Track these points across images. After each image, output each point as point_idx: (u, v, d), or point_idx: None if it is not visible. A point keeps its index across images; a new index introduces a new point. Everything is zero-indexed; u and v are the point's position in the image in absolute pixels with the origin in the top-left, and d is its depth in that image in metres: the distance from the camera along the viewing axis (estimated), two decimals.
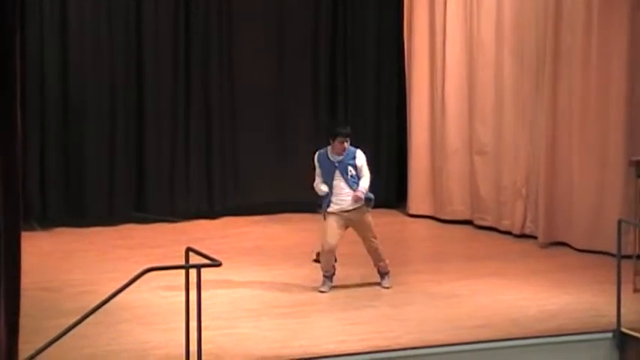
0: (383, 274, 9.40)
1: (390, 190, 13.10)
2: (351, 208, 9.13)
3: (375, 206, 12.77)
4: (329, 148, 9.18)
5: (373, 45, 12.95)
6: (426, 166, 12.54)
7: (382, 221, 12.33)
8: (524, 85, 11.35)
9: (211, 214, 12.33)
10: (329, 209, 9.15)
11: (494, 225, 11.68)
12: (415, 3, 12.54)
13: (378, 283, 9.37)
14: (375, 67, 12.98)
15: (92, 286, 9.21)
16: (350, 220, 9.18)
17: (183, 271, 6.91)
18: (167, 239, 11.11)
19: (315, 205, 9.37)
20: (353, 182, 9.14)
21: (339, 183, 9.13)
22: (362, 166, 9.20)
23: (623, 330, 7.95)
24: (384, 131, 13.08)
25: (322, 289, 9.18)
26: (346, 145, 9.13)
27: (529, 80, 11.30)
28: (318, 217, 9.39)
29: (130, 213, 12.12)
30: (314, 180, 9.21)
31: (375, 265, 9.40)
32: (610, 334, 7.99)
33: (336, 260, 9.23)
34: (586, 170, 10.63)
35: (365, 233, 9.26)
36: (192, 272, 6.80)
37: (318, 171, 9.20)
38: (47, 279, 9.50)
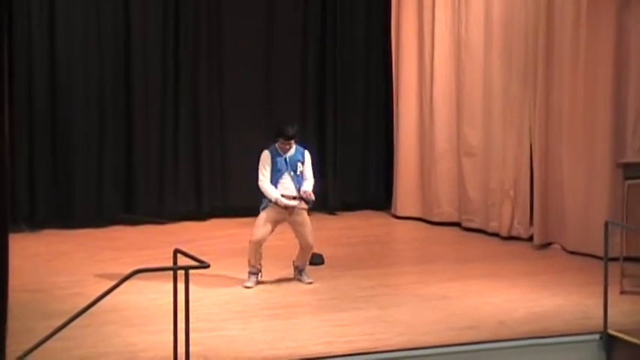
0: (301, 270, 9.48)
1: (378, 191, 13.13)
2: (291, 205, 9.25)
3: (364, 207, 12.98)
4: (276, 145, 9.34)
5: (361, 47, 12.96)
6: (414, 168, 12.55)
7: (370, 223, 12.44)
8: (513, 87, 11.38)
9: (200, 216, 12.32)
10: (269, 204, 9.28)
11: (482, 227, 11.71)
12: (403, 5, 12.55)
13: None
14: (363, 69, 13.00)
15: (80, 287, 9.20)
16: (288, 216, 9.30)
17: (171, 273, 6.91)
18: (155, 241, 11.10)
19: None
20: (298, 180, 9.29)
21: (287, 179, 9.27)
22: (307, 166, 9.36)
23: (610, 332, 7.97)
24: (372, 133, 13.09)
25: (247, 285, 9.30)
26: (289, 146, 9.30)
27: (517, 83, 11.32)
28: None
29: (119, 215, 12.11)
30: (258, 179, 9.30)
31: (298, 261, 9.46)
32: (597, 336, 8.01)
33: (261, 257, 9.35)
34: (575, 172, 10.66)
35: (302, 229, 9.33)
36: (181, 274, 6.79)
37: (268, 169, 9.30)
38: (35, 281, 9.48)
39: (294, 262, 9.56)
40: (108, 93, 12.03)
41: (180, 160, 12.30)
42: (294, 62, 12.74)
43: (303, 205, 9.37)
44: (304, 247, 9.42)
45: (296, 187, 9.32)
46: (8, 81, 11.19)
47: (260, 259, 9.38)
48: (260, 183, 9.34)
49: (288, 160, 9.32)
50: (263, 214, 9.33)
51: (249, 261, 9.40)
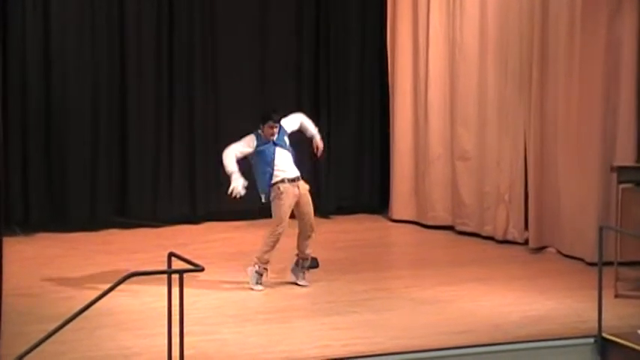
0: (303, 267, 9.41)
1: (373, 195, 13.12)
2: (296, 176, 9.27)
3: (358, 211, 12.98)
4: (261, 132, 9.31)
5: (356, 51, 12.96)
6: (409, 171, 12.55)
7: (365, 226, 12.44)
8: (507, 91, 11.38)
9: (194, 219, 12.31)
10: (282, 186, 9.20)
11: (476, 231, 11.71)
12: (398, 9, 12.56)
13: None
14: (358, 72, 12.99)
15: (74, 291, 9.18)
16: (299, 196, 9.27)
17: (165, 277, 6.89)
18: (149, 244, 11.08)
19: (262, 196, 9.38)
20: (292, 153, 9.39)
21: (282, 155, 9.28)
22: (289, 124, 9.42)
23: (605, 335, 7.98)
24: (366, 136, 13.09)
25: (259, 288, 9.27)
26: (276, 129, 9.30)
27: (512, 87, 11.33)
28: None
29: (113, 218, 12.09)
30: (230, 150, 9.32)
31: (301, 251, 9.39)
32: (592, 340, 8.01)
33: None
34: (570, 176, 10.66)
35: (309, 209, 9.31)
36: (175, 277, 6.78)
37: (245, 149, 9.26)
38: (28, 284, 9.46)
39: (298, 255, 9.45)
40: (102, 96, 12.00)
41: (174, 163, 12.29)
42: (289, 66, 12.74)
43: (307, 185, 9.38)
44: (306, 228, 9.31)
45: (293, 159, 9.34)
46: (2, 84, 11.20)
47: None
48: (226, 151, 9.30)
49: (276, 141, 9.29)
50: (281, 202, 9.19)
51: (261, 257, 9.27)
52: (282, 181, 9.23)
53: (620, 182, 9.48)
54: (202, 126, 12.37)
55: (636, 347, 7.75)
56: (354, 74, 12.99)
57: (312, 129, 9.54)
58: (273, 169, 9.24)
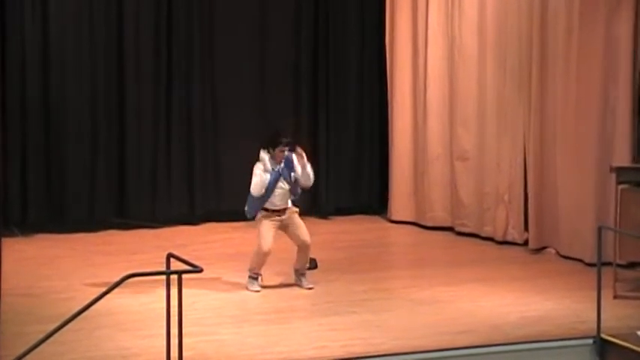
0: (302, 274, 9.45)
1: (372, 195, 13.12)
2: (283, 208, 9.25)
3: (357, 212, 12.99)
4: (267, 157, 9.25)
5: (355, 51, 12.97)
6: (408, 172, 12.56)
7: (364, 227, 12.44)
8: (507, 91, 11.38)
9: (193, 220, 12.31)
10: (262, 212, 9.27)
11: (475, 231, 11.70)
12: (397, 9, 12.57)
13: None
14: (357, 72, 13.00)
15: (73, 292, 9.18)
16: (283, 220, 9.27)
17: (164, 278, 6.89)
18: (148, 245, 11.08)
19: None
20: (296, 185, 9.32)
21: (280, 188, 9.24)
22: (298, 165, 9.31)
23: (603, 336, 7.98)
24: (366, 137, 13.10)
25: (256, 289, 9.30)
26: (286, 150, 9.28)
27: (511, 87, 11.33)
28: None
29: (111, 219, 12.09)
30: (253, 180, 9.22)
31: (298, 263, 9.42)
32: (590, 341, 8.01)
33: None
34: (569, 176, 10.66)
35: (297, 230, 9.32)
36: (174, 278, 6.77)
37: (264, 174, 9.20)
38: (27, 285, 9.45)
39: (294, 266, 9.52)
40: (101, 96, 12.00)
41: (173, 163, 12.29)
42: (287, 67, 12.74)
43: (294, 208, 9.36)
44: (302, 246, 9.36)
45: (291, 193, 9.33)
46: (1, 85, 11.19)
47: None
48: (253, 186, 9.21)
49: (280, 171, 9.27)
50: (263, 225, 9.28)
51: (252, 269, 9.36)
52: (266, 209, 9.28)
53: (619, 183, 9.48)
54: (201, 126, 12.37)
55: (635, 348, 7.75)
56: (353, 74, 12.99)
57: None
58: (266, 198, 9.26)
